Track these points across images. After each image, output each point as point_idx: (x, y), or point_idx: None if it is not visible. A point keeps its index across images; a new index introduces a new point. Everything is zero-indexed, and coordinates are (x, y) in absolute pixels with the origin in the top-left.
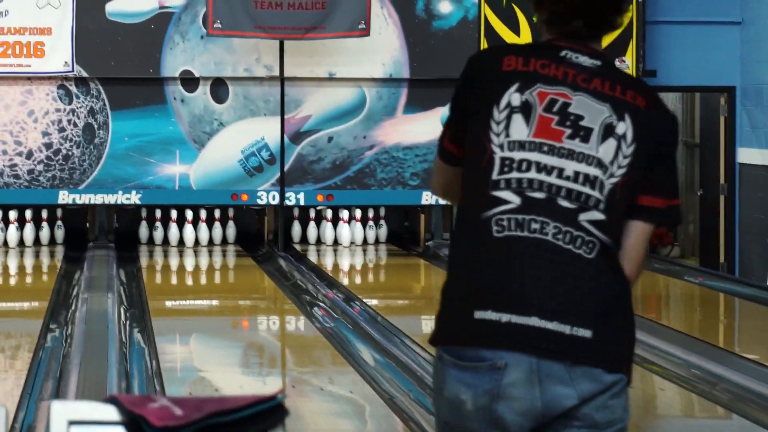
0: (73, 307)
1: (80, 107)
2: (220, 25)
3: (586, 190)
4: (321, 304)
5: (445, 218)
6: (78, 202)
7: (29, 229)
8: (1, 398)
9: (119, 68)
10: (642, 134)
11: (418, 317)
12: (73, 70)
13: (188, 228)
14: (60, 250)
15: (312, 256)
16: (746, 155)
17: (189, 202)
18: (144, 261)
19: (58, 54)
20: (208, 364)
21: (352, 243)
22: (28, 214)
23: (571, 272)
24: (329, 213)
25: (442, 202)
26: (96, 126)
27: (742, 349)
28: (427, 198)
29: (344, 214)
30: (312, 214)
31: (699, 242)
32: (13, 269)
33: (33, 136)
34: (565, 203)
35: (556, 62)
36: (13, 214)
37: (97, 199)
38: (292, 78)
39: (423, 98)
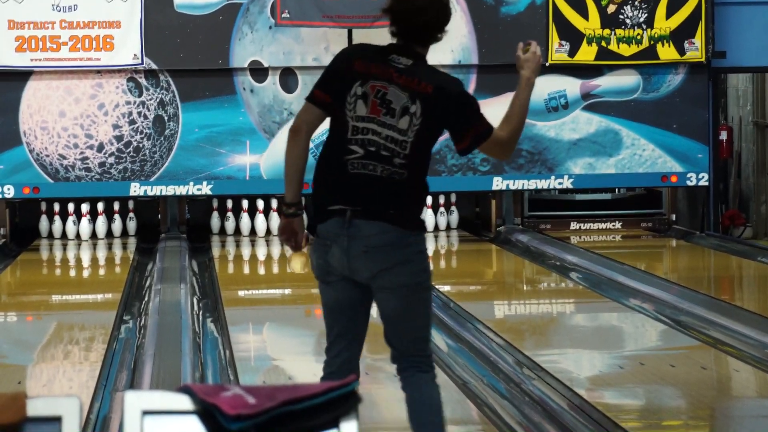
0: (146, 299)
1: (150, 99)
2: (288, 15)
3: (393, 146)
4: None
5: (516, 203)
6: (149, 193)
7: (101, 221)
8: (76, 390)
9: (188, 60)
10: (428, 111)
11: (491, 302)
12: (142, 63)
13: (260, 217)
14: (132, 242)
15: None
16: None
17: (260, 192)
18: (216, 251)
19: (128, 47)
20: (282, 353)
21: None
22: (100, 206)
23: (391, 189)
24: None
25: (499, 187)
26: (166, 118)
27: None
28: (498, 184)
29: None
30: None
31: None
32: (86, 262)
33: (103, 129)
34: (384, 153)
35: (384, 65)
36: (85, 207)
37: (169, 190)
38: None
39: (492, 84)
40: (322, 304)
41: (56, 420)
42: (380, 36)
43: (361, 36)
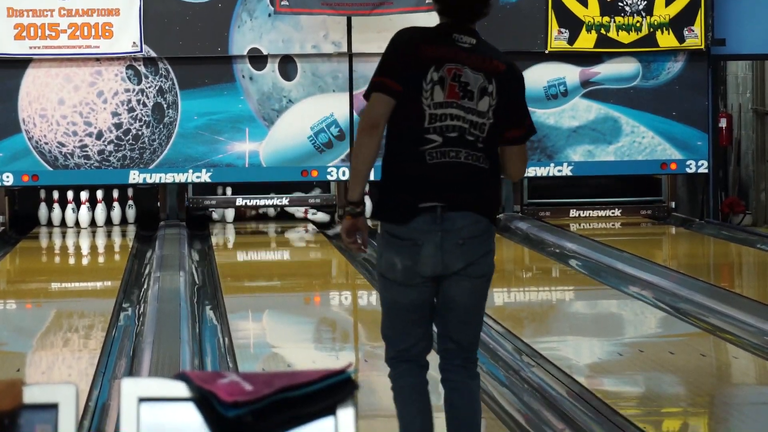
0: (145, 286)
1: (149, 87)
2: (287, 3)
3: (475, 130)
4: None
5: (515, 192)
6: (148, 181)
7: (100, 209)
8: (75, 377)
9: (187, 47)
10: (502, 90)
11: (490, 290)
12: (141, 51)
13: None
14: (131, 230)
15: None
16: None
17: (259, 179)
18: (215, 239)
19: (127, 35)
20: (281, 340)
21: None
22: (99, 194)
23: (476, 177)
24: None
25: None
26: (165, 105)
27: None
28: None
29: None
30: None
31: None
32: (85, 249)
33: (103, 116)
34: (469, 138)
35: (451, 46)
36: (84, 195)
37: (168, 178)
38: (360, 54)
39: None
40: (397, 304)
41: (53, 407)
42: (379, 23)
43: (360, 24)
